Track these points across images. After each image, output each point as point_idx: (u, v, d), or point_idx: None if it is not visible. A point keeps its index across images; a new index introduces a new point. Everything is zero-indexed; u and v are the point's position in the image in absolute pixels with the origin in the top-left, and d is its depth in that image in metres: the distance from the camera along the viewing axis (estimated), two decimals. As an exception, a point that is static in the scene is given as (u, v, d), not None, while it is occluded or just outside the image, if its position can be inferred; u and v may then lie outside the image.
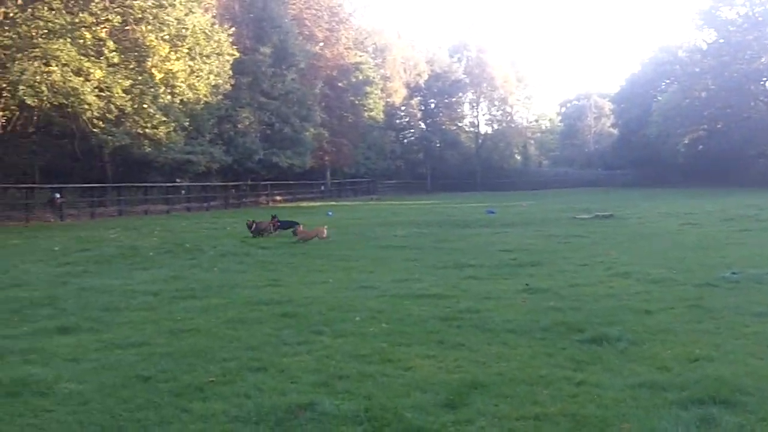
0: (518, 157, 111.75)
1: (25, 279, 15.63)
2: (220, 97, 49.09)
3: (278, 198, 65.34)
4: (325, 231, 24.25)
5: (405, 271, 16.31)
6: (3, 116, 39.61)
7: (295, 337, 9.76)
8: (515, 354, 8.71)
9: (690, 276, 14.27)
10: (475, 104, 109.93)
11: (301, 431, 6.20)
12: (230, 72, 47.85)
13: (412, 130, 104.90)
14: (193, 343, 9.50)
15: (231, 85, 49.03)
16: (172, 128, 40.43)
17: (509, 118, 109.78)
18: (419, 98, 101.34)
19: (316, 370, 8.12)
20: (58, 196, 39.57)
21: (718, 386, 7.03)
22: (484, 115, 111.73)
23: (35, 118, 40.96)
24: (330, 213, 42.54)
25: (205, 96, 44.37)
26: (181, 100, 41.19)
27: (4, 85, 33.49)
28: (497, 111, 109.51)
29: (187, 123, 43.61)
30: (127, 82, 35.57)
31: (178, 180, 53.09)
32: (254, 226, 26.25)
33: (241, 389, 7.42)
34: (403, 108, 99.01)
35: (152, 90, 37.81)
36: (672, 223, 28.87)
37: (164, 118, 39.10)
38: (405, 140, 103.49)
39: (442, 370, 8.06)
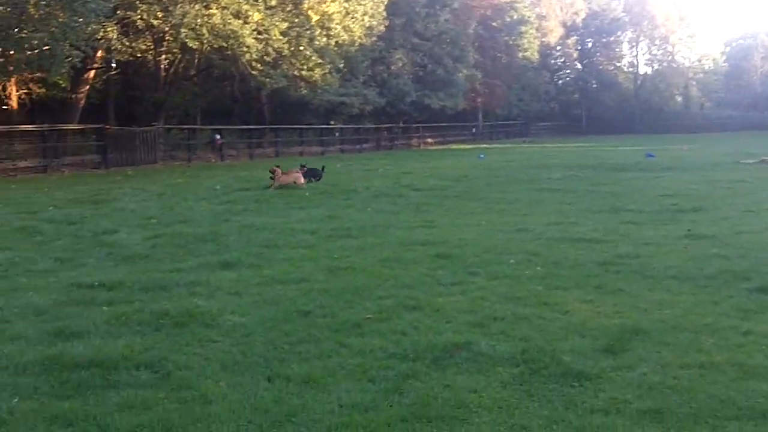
0: (679, 99, 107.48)
1: (190, 216, 16.28)
2: (373, 38, 49.27)
3: (429, 140, 65.43)
4: (302, 178, 23.52)
5: (560, 215, 16.08)
6: (166, 59, 41.18)
7: (449, 277, 9.80)
8: (678, 301, 8.46)
9: None
10: (634, 44, 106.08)
11: (457, 370, 6.24)
12: (384, 13, 47.91)
13: (567, 71, 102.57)
14: (350, 281, 9.68)
15: (384, 26, 49.12)
16: (327, 70, 40.92)
17: (670, 58, 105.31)
18: (575, 38, 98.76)
19: (471, 310, 8.13)
20: (218, 137, 40.92)
21: None
22: (643, 54, 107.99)
23: (197, 61, 42.43)
24: (482, 156, 42.27)
25: (360, 38, 44.64)
26: (336, 42, 41.58)
27: (167, 29, 34.68)
28: (657, 51, 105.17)
29: (342, 65, 44.02)
30: (284, 25, 36.15)
31: (332, 122, 53.87)
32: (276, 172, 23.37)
33: (397, 327, 7.52)
34: (558, 48, 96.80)
35: (308, 32, 38.31)
36: None
37: (320, 61, 39.60)
38: (560, 81, 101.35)
39: (600, 315, 7.92)
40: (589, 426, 5.06)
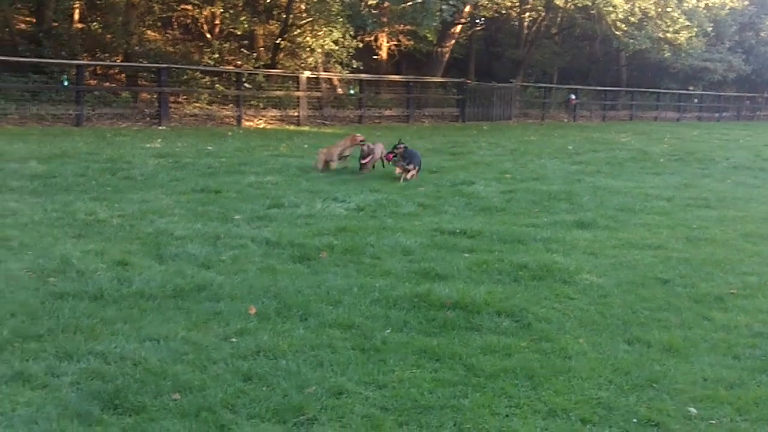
0: None
1: (542, 173, 16.41)
2: (746, 2, 46.26)
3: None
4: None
5: None
6: (529, 17, 41.50)
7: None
8: None
9: None
10: None
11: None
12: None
13: None
14: (710, 253, 9.32)
15: (757, -10, 45.94)
16: (693, 33, 39.08)
17: None
18: None
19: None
20: (573, 97, 40.66)
21: None
22: None
23: (559, 19, 42.29)
24: None
25: (730, 0, 42.15)
26: (706, 5, 39.59)
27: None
28: None
29: (710, 28, 41.84)
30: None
31: (690, 87, 51.52)
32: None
33: (763, 305, 7.16)
34: None
35: (676, -7, 36.89)
36: None
37: (687, 23, 37.89)
38: None
39: None
40: None
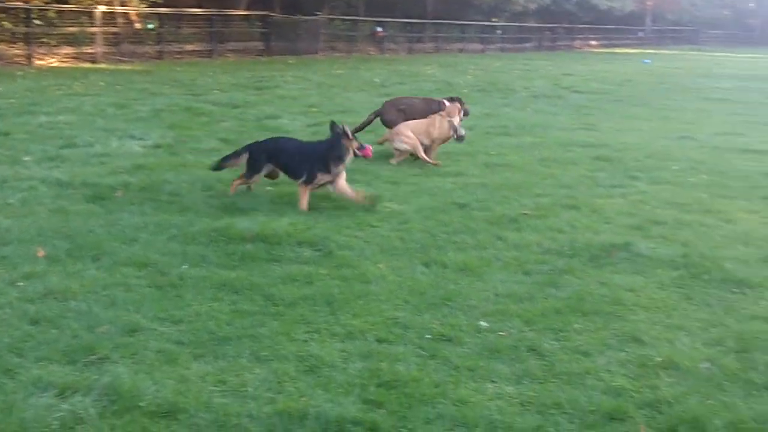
0: None
1: (350, 106, 16.46)
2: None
3: (593, 43, 63.28)
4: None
5: (727, 125, 15.44)
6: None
7: (609, 180, 9.66)
8: None
9: None
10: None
11: (614, 269, 6.20)
12: None
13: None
14: (507, 177, 9.68)
15: None
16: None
17: None
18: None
19: (631, 213, 8.02)
20: (379, 29, 40.82)
21: None
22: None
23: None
24: (647, 61, 40.69)
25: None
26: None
27: None
28: None
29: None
30: None
31: (494, 19, 52.86)
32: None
33: (554, 224, 7.51)
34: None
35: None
36: None
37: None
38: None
39: (766, 225, 7.67)
40: (749, 331, 4.97)
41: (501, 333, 4.92)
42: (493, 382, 4.29)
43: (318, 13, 37.53)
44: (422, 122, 10.43)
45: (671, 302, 5.52)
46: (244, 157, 8.17)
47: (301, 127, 13.11)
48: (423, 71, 27.73)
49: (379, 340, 4.76)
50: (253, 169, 8.09)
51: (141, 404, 3.91)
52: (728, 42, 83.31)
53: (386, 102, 11.75)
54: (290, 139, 8.68)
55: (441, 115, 10.44)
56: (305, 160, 7.92)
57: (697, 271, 6.15)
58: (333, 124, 8.12)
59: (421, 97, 12.29)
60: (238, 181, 8.18)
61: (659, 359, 4.55)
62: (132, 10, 29.84)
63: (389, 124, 11.08)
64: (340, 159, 7.88)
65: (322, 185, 7.95)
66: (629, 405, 4.04)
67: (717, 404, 4.05)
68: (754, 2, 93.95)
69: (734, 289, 5.80)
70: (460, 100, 10.94)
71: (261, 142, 8.43)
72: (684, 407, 4.00)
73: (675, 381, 4.32)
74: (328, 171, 7.85)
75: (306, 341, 4.73)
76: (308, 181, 7.84)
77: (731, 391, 4.22)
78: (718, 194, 9.00)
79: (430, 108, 11.02)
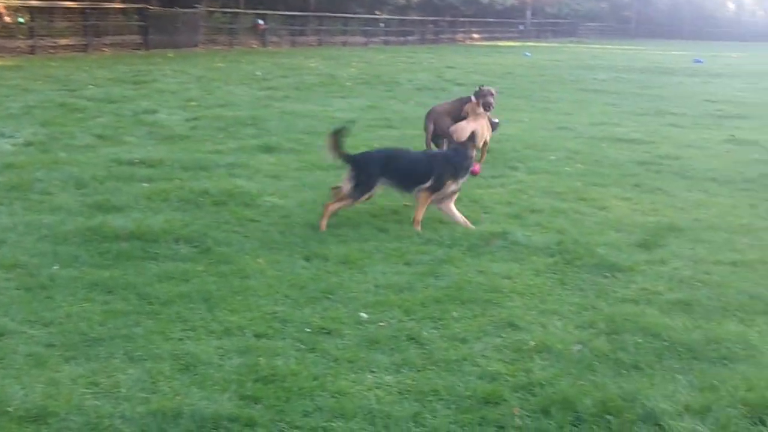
0: (731, 6, 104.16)
1: (230, 100, 16.31)
2: None
3: (475, 36, 64.27)
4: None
5: (603, 115, 15.91)
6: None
7: (489, 170, 9.81)
8: (715, 202, 8.45)
9: None
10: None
11: (492, 257, 6.31)
12: None
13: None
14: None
15: None
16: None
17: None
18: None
19: (509, 202, 8.17)
20: (261, 21, 40.43)
21: None
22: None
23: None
24: (528, 54, 41.55)
25: None
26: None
27: None
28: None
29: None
30: None
31: (377, 12, 53.07)
32: None
33: (435, 215, 7.55)
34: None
35: None
36: None
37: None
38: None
39: (637, 212, 7.93)
40: (619, 314, 5.12)
41: (381, 324, 4.93)
42: (372, 372, 4.30)
43: (197, 5, 36.91)
44: (471, 123, 9.59)
45: (546, 288, 5.65)
46: (349, 174, 7.04)
47: (179, 121, 12.91)
48: (306, 64, 27.65)
49: (258, 336, 4.71)
50: (364, 186, 7.06)
51: (9, 409, 3.77)
52: (606, 34, 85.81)
53: (429, 114, 10.71)
54: (401, 149, 8.04)
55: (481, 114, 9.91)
56: (432, 165, 7.19)
57: (571, 257, 6.31)
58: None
59: (451, 100, 11.42)
60: (338, 205, 7.10)
61: (533, 343, 4.65)
62: (1, 3, 28.71)
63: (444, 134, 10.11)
64: (466, 170, 7.38)
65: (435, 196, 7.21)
66: (504, 389, 4.11)
67: (587, 384, 4.15)
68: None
69: (606, 274, 5.97)
70: (483, 93, 10.38)
71: (367, 153, 7.52)
72: (556, 389, 4.09)
73: (548, 364, 4.42)
74: (456, 179, 7.22)
75: (182, 339, 4.64)
76: (435, 188, 7.10)
77: (601, 371, 4.34)
78: (592, 182, 9.26)
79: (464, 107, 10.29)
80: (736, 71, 31.38)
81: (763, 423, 3.82)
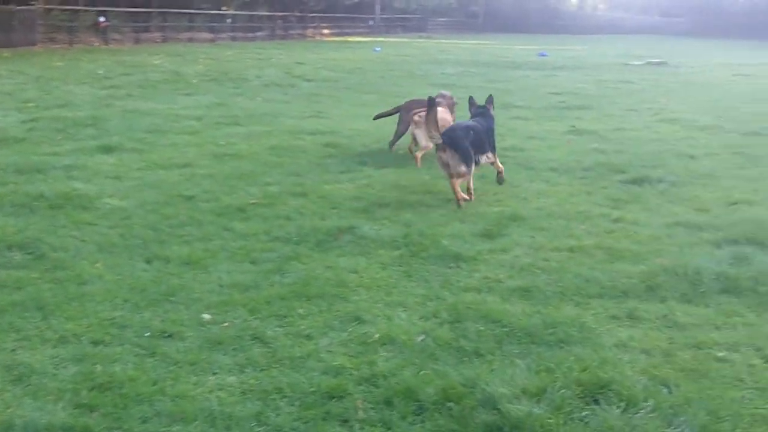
0: (574, 0, 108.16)
1: (70, 100, 15.77)
2: None
3: (325, 31, 64.27)
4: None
5: (451, 108, 16.16)
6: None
7: (338, 166, 9.84)
8: (555, 191, 8.73)
9: (738, 125, 13.97)
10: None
11: (340, 252, 6.32)
12: None
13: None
14: (236, 167, 9.62)
15: None
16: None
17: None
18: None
19: (357, 197, 8.20)
20: (102, 19, 39.17)
21: (755, 228, 6.97)
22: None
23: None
24: (377, 49, 41.87)
25: None
26: None
27: None
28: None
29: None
30: None
31: (223, 7, 52.35)
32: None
33: (282, 212, 7.54)
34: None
35: None
36: (725, 73, 28.00)
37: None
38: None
39: (482, 203, 8.10)
40: (462, 302, 5.22)
41: (224, 324, 4.86)
42: (214, 374, 4.23)
43: (33, 2, 35.40)
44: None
45: (392, 281, 5.70)
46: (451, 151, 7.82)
47: (14, 123, 12.39)
48: (150, 62, 27.01)
49: (95, 343, 4.55)
50: (470, 159, 7.91)
51: None
52: (454, 29, 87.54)
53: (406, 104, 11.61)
54: (469, 123, 8.55)
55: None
56: (491, 132, 8.51)
57: (416, 249, 6.39)
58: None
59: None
60: (459, 180, 7.93)
61: (378, 336, 4.68)
62: None
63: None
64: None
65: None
66: (348, 382, 4.12)
67: (430, 373, 4.20)
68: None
69: (451, 264, 6.08)
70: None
71: (454, 129, 8.21)
72: (398, 379, 4.13)
73: (392, 355, 4.45)
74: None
75: (14, 350, 4.44)
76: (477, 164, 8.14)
77: (443, 359, 4.40)
78: (439, 175, 9.36)
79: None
80: (578, 64, 32.52)
81: (596, 402, 3.96)
